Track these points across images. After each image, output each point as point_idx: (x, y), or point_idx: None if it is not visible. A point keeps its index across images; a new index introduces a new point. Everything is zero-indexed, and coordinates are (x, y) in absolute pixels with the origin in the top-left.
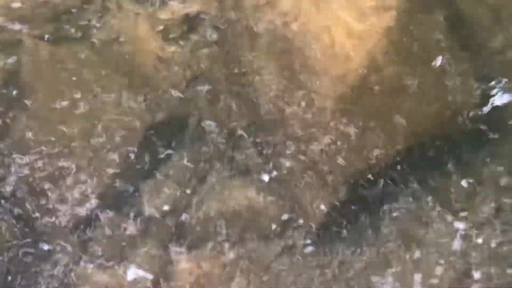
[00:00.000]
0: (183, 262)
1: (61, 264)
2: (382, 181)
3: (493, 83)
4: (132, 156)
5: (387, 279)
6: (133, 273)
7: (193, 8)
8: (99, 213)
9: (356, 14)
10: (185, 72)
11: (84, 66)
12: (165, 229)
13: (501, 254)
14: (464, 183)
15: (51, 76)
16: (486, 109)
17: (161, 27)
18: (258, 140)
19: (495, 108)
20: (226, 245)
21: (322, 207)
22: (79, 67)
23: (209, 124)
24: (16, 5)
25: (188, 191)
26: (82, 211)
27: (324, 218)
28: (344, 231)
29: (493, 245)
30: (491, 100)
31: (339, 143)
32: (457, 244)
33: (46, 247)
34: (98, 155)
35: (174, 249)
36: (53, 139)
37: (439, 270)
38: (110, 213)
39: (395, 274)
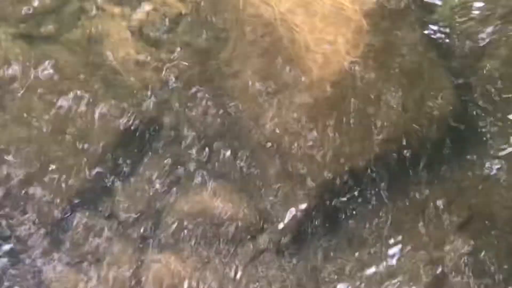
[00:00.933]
0: (156, 263)
1: (33, 264)
2: (356, 186)
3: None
4: (106, 157)
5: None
6: (106, 273)
7: (170, 9)
8: (73, 213)
9: (335, 18)
10: (161, 73)
11: (59, 67)
12: (139, 231)
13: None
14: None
15: (25, 76)
16: (463, 113)
17: (138, 28)
18: (233, 144)
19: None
20: (199, 248)
21: (296, 212)
22: (54, 67)
23: (184, 127)
24: None
25: (161, 194)
26: (56, 211)
27: (297, 223)
28: (318, 236)
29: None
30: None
31: (315, 148)
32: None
33: (18, 246)
34: (73, 156)
35: (147, 250)
36: (27, 138)
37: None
38: (84, 214)
39: (366, 280)
